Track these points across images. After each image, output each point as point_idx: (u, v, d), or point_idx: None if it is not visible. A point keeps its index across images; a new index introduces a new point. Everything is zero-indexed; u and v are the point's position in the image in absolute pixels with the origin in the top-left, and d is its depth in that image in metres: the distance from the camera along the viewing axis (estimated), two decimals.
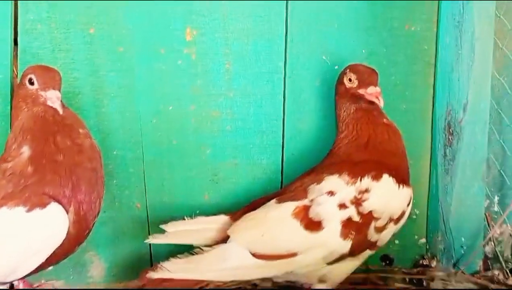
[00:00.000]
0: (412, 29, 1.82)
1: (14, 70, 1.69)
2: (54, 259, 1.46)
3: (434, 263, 1.88)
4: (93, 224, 1.51)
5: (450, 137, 1.81)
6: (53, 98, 1.42)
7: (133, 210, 1.77)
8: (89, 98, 1.70)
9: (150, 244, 1.77)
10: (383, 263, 1.88)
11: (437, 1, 1.81)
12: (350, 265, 1.53)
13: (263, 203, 1.59)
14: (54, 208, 1.40)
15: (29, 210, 1.38)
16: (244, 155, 1.80)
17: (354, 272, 1.61)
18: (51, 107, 1.43)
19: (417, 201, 1.82)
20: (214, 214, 1.66)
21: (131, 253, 1.78)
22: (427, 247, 1.91)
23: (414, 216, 1.88)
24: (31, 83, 1.44)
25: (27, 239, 1.39)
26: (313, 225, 1.47)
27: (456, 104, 1.78)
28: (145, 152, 1.76)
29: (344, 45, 1.79)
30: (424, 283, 1.81)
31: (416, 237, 1.91)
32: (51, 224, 1.40)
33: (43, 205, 1.39)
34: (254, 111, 1.79)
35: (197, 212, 1.71)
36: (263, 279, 1.75)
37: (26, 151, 1.43)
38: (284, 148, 1.81)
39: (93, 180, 1.47)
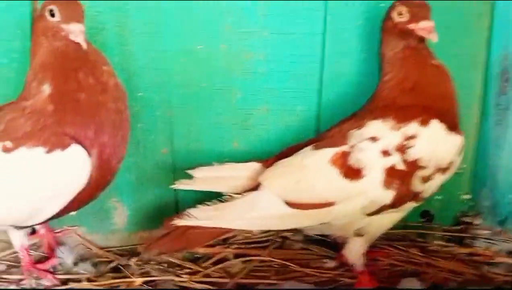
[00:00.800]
0: None
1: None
2: (76, 204, 1.38)
3: (478, 221, 1.75)
4: (117, 168, 1.42)
5: (504, 85, 1.64)
6: (76, 31, 1.30)
7: (159, 155, 1.68)
8: (113, 34, 1.58)
9: (175, 192, 1.68)
10: (423, 219, 1.75)
11: None
12: (390, 218, 1.42)
13: (298, 150, 1.47)
14: (76, 150, 1.31)
15: (49, 151, 1.29)
16: (277, 100, 1.67)
17: (392, 228, 1.50)
18: (73, 41, 1.31)
19: (464, 154, 1.66)
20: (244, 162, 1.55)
21: (156, 200, 1.70)
22: (471, 203, 1.77)
23: (460, 170, 1.73)
24: (52, 15, 1.32)
25: (47, 181, 1.31)
26: (352, 173, 1.35)
27: None
28: (172, 94, 1.64)
29: None
30: (466, 242, 1.67)
31: (459, 192, 1.77)
32: (73, 166, 1.31)
33: (64, 146, 1.30)
34: (290, 52, 1.64)
35: (226, 159, 1.60)
36: (294, 231, 1.65)
37: (46, 89, 1.34)
38: (321, 94, 1.67)
39: (118, 122, 1.37)
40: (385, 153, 1.36)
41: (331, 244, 1.64)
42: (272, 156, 1.58)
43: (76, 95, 1.33)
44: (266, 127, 1.68)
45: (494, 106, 1.68)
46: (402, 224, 1.66)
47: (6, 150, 1.30)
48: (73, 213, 1.49)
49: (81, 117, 1.33)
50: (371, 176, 1.35)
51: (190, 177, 1.51)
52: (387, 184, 1.35)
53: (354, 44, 1.66)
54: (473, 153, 1.76)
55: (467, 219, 1.76)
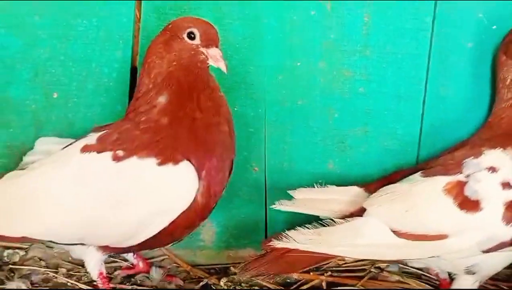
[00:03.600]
0: None
1: (137, 13, 1.57)
2: (177, 230, 1.31)
3: None
4: (220, 196, 1.36)
5: None
6: (217, 56, 1.31)
7: (250, 173, 1.63)
8: None
9: (266, 211, 1.63)
10: None
11: None
12: (508, 257, 1.31)
13: (403, 177, 1.39)
14: (187, 167, 1.27)
15: (161, 164, 1.26)
16: (376, 122, 1.59)
17: None
18: (205, 66, 1.32)
19: None
20: (340, 185, 1.47)
21: (245, 219, 1.65)
22: None
23: None
24: (191, 37, 1.31)
25: (155, 193, 1.27)
26: (469, 205, 1.26)
27: None
28: (267, 111, 1.59)
29: (506, 2, 1.52)
30: None
31: None
32: (182, 182, 1.27)
33: (176, 161, 1.27)
34: (392, 72, 1.56)
35: (320, 181, 1.53)
36: (390, 262, 1.56)
37: (162, 100, 1.31)
38: (423, 117, 1.59)
39: (228, 145, 1.34)
40: (506, 185, 1.26)
41: (429, 280, 1.54)
42: (369, 179, 1.51)
43: (194, 113, 1.31)
44: (364, 149, 1.61)
45: None
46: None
47: (117, 158, 1.27)
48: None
49: (194, 135, 1.30)
50: (490, 209, 1.25)
51: (288, 197, 1.44)
52: (508, 219, 1.25)
53: (461, 67, 1.57)
54: None
55: None
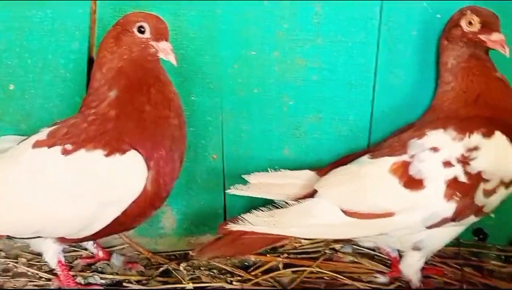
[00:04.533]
0: None
1: (93, 5, 1.58)
2: (129, 219, 1.34)
3: None
4: (171, 187, 1.39)
5: None
6: (167, 49, 1.34)
7: (209, 161, 1.66)
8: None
9: (224, 198, 1.67)
10: (476, 238, 1.70)
11: None
12: (450, 232, 1.38)
13: (352, 160, 1.45)
14: (134, 156, 1.30)
15: (108, 154, 1.29)
16: (329, 109, 1.64)
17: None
18: (154, 59, 1.35)
19: None
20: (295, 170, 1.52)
21: (205, 205, 1.69)
22: None
23: None
24: (141, 31, 1.34)
25: (104, 184, 1.29)
26: (413, 183, 1.32)
27: None
28: (224, 99, 1.63)
29: None
30: None
31: None
32: (130, 171, 1.30)
33: (123, 151, 1.29)
34: (343, 60, 1.62)
35: (276, 167, 1.57)
36: (344, 243, 1.62)
37: (113, 94, 1.34)
38: (373, 103, 1.65)
39: (177, 138, 1.37)
40: (447, 164, 1.33)
41: (382, 259, 1.60)
42: (323, 165, 1.56)
43: (143, 106, 1.34)
44: (318, 135, 1.66)
45: None
46: (454, 241, 1.62)
47: (65, 152, 1.30)
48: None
49: (143, 128, 1.32)
50: (433, 187, 1.32)
51: (244, 182, 1.48)
52: (449, 196, 1.32)
53: (409, 55, 1.63)
54: None
55: None
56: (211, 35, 1.60)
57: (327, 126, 1.66)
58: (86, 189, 1.29)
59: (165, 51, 1.33)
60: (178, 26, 1.60)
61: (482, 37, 1.37)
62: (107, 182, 1.29)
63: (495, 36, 1.35)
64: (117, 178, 1.30)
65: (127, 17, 1.37)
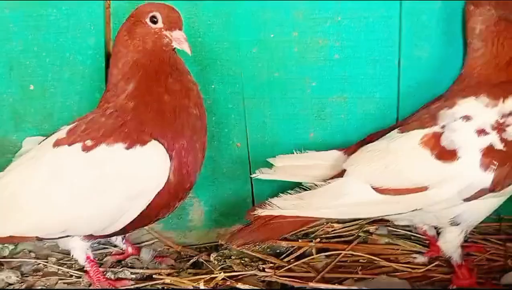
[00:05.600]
0: None
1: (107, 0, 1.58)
2: (154, 211, 1.32)
3: None
4: (195, 177, 1.36)
5: None
6: (180, 38, 1.32)
7: (233, 149, 1.63)
8: (184, 26, 1.54)
9: (252, 186, 1.63)
10: None
11: None
12: (490, 204, 1.31)
13: (381, 136, 1.39)
14: (155, 146, 1.28)
15: (128, 147, 1.27)
16: (354, 88, 1.60)
17: (484, 221, 1.38)
18: (170, 49, 1.33)
19: None
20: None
21: (232, 195, 1.66)
22: None
23: None
24: (154, 21, 1.33)
25: (127, 178, 1.27)
26: (446, 154, 1.26)
27: None
28: (245, 86, 1.59)
29: None
30: None
31: None
32: (152, 162, 1.28)
33: (144, 142, 1.27)
34: (366, 36, 1.57)
35: (302, 151, 1.53)
36: (378, 225, 1.57)
37: (131, 87, 1.32)
38: (400, 79, 1.59)
39: (198, 128, 1.34)
40: (481, 132, 1.27)
41: (419, 239, 1.54)
42: None
43: (162, 96, 1.32)
44: (344, 116, 1.62)
45: None
46: (495, 217, 1.55)
47: (86, 148, 1.28)
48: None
49: (162, 117, 1.30)
50: (467, 157, 1.26)
51: (269, 166, 1.44)
52: (485, 165, 1.26)
53: (433, 27, 1.58)
54: None
55: None
56: (228, 20, 1.57)
57: (353, 106, 1.61)
58: (110, 184, 1.27)
59: (178, 40, 1.32)
60: (194, 14, 1.58)
61: None
62: (130, 175, 1.27)
63: None
64: (140, 170, 1.27)
65: (140, 8, 1.36)
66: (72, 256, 1.42)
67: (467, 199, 1.28)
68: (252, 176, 1.46)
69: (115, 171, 1.28)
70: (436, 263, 1.47)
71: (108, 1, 1.58)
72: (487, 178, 1.26)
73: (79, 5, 1.54)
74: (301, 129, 1.63)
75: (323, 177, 1.40)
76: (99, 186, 1.28)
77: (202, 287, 1.36)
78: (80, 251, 1.39)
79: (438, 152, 1.27)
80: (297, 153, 1.47)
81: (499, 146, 1.25)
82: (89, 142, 1.28)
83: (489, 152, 1.25)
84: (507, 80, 1.33)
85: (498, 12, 1.35)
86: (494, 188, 1.27)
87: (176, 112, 1.31)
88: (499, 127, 1.26)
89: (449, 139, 1.27)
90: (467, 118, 1.28)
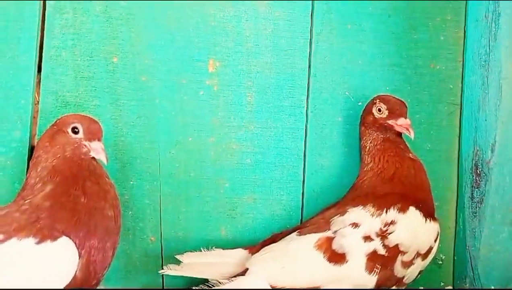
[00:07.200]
0: (437, 68, 1.79)
1: (36, 96, 1.68)
2: None
3: None
4: (102, 276, 1.41)
5: (477, 179, 1.74)
6: (98, 149, 1.41)
7: (147, 243, 1.71)
8: (108, 126, 1.67)
9: (163, 279, 1.70)
10: None
11: (463, 40, 1.78)
12: None
13: (282, 237, 1.53)
14: (66, 242, 1.32)
15: (39, 242, 1.31)
16: (263, 190, 1.75)
17: None
18: (89, 157, 1.41)
19: (443, 245, 1.74)
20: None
21: (143, 288, 1.70)
22: None
23: (440, 262, 1.79)
24: (75, 132, 1.42)
25: (34, 272, 1.30)
26: (336, 257, 1.40)
27: (484, 145, 1.72)
28: (162, 183, 1.71)
29: (368, 82, 1.77)
30: None
31: (442, 283, 1.81)
32: (61, 257, 1.32)
33: (54, 238, 1.32)
34: (275, 145, 1.75)
35: (213, 247, 1.64)
36: None
37: (48, 189, 1.38)
38: (304, 184, 1.76)
39: (110, 229, 1.40)
40: (367, 238, 1.42)
41: None
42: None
43: (78, 198, 1.38)
44: (253, 216, 1.74)
45: (468, 199, 1.77)
46: None
47: None
48: None
49: (75, 216, 1.36)
50: (354, 260, 1.40)
51: (178, 262, 1.53)
52: (370, 268, 1.40)
53: (335, 139, 1.77)
54: (453, 244, 1.82)
55: None
56: (149, 122, 1.70)
57: (262, 206, 1.75)
58: (18, 278, 1.29)
59: (96, 150, 1.41)
60: (119, 114, 1.70)
61: (390, 122, 1.51)
62: (37, 269, 1.30)
63: (401, 121, 1.50)
64: (47, 264, 1.31)
65: (63, 118, 1.45)
66: None
67: None
68: (160, 272, 1.53)
69: (23, 265, 1.30)
70: None
71: (37, 96, 1.68)
72: (371, 280, 1.40)
73: (7, 99, 1.63)
74: (213, 226, 1.73)
75: (228, 274, 1.49)
76: (8, 281, 1.29)
77: None
78: None
79: (330, 255, 1.40)
80: (204, 251, 1.56)
81: (382, 251, 1.41)
82: (0, 236, 1.31)
83: (373, 256, 1.40)
84: (391, 191, 1.50)
85: (383, 134, 1.55)
86: (377, 289, 1.40)
87: (91, 213, 1.37)
88: (382, 234, 1.42)
89: (339, 244, 1.41)
90: (355, 225, 1.44)
